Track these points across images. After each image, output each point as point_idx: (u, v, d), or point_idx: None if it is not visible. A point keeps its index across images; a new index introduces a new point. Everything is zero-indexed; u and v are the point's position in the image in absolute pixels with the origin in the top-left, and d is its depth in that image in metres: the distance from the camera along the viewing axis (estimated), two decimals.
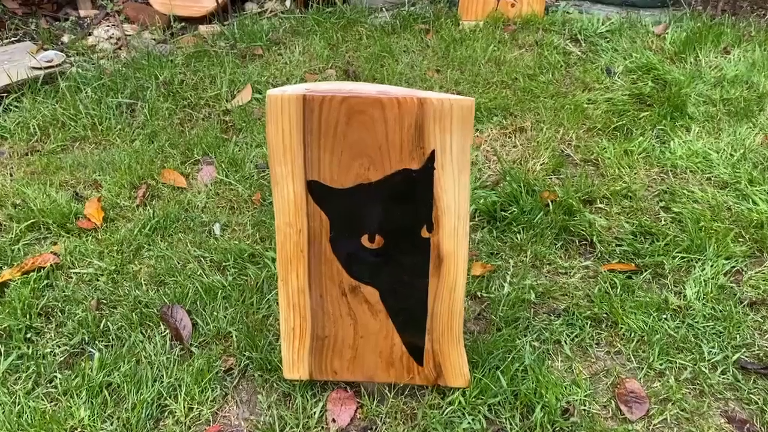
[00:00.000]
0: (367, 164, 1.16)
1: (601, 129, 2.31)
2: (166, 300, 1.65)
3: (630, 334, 1.55)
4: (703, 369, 1.47)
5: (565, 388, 1.42)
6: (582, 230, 1.84)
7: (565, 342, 1.54)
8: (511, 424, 1.35)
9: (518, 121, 2.37)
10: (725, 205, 1.92)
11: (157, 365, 1.48)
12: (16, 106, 2.54)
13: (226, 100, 2.56)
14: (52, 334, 1.58)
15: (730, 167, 2.06)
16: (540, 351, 1.51)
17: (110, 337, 1.57)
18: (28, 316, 1.60)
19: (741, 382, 1.44)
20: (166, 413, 1.40)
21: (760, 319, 1.59)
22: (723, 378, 1.45)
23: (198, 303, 1.64)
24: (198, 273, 1.73)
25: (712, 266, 1.70)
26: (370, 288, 1.29)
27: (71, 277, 1.74)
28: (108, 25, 3.34)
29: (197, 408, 1.40)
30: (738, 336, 1.54)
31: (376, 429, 1.36)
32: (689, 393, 1.43)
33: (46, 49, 2.94)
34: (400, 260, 1.26)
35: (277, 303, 1.39)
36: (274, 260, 1.72)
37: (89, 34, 3.27)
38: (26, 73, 2.65)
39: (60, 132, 2.38)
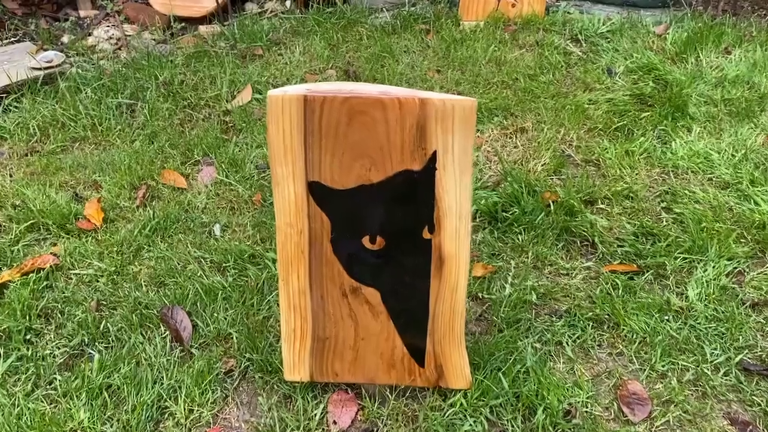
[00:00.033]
0: (368, 165, 1.16)
1: (602, 129, 2.30)
2: (166, 301, 1.64)
3: (632, 336, 1.55)
4: (706, 370, 1.46)
5: (567, 389, 1.42)
6: (583, 231, 1.83)
7: (567, 343, 1.53)
8: (512, 426, 1.35)
9: (519, 121, 2.36)
10: (727, 206, 1.91)
11: (157, 367, 1.47)
12: (15, 107, 2.53)
13: (227, 101, 2.55)
14: (52, 336, 1.58)
15: (731, 168, 2.06)
16: (542, 352, 1.50)
17: (110, 339, 1.56)
18: (27, 318, 1.60)
19: (744, 384, 1.44)
20: (166, 415, 1.39)
21: (762, 321, 1.59)
22: (726, 380, 1.45)
23: (198, 304, 1.63)
24: (198, 274, 1.72)
25: (714, 267, 1.70)
26: (371, 289, 1.28)
27: (71, 278, 1.74)
28: (108, 26, 3.33)
29: (197, 410, 1.40)
30: (740, 337, 1.53)
31: (377, 431, 1.36)
32: (692, 395, 1.42)
33: (45, 50, 2.94)
34: (401, 261, 1.25)
35: (278, 304, 1.39)
36: (274, 261, 1.71)
37: (89, 35, 3.26)
38: (26, 74, 2.65)
39: (60, 132, 2.37)
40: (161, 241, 1.85)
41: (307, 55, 2.90)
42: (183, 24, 3.31)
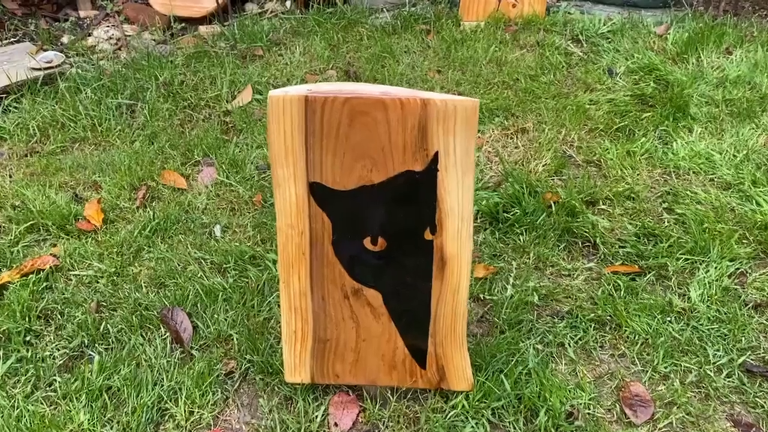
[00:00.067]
0: (369, 166, 1.15)
1: (603, 130, 2.30)
2: (166, 302, 1.63)
3: (634, 337, 1.54)
4: (709, 372, 1.45)
5: (569, 391, 1.41)
6: (585, 232, 1.83)
7: (569, 345, 1.53)
8: (514, 428, 1.34)
9: (520, 121, 2.36)
10: (729, 207, 1.91)
11: (158, 368, 1.47)
12: (15, 107, 2.53)
13: (227, 101, 2.55)
14: (52, 337, 1.57)
15: (733, 168, 2.06)
16: (543, 354, 1.50)
17: (110, 340, 1.55)
18: (27, 319, 1.59)
19: (747, 386, 1.43)
20: (166, 417, 1.39)
21: (765, 322, 1.58)
22: (728, 381, 1.44)
23: (198, 305, 1.62)
24: (198, 275, 1.72)
25: (716, 268, 1.69)
26: (373, 291, 1.28)
27: (71, 280, 1.73)
28: (108, 26, 3.33)
29: (198, 412, 1.39)
30: (743, 338, 1.53)
31: None
32: (694, 396, 1.42)
33: (45, 50, 2.93)
34: (403, 262, 1.25)
35: (279, 306, 1.38)
36: (275, 262, 1.71)
37: (89, 35, 3.26)
38: (26, 74, 2.64)
39: (59, 133, 2.37)
40: (161, 242, 1.85)
41: (308, 55, 2.89)
42: (183, 24, 3.30)
